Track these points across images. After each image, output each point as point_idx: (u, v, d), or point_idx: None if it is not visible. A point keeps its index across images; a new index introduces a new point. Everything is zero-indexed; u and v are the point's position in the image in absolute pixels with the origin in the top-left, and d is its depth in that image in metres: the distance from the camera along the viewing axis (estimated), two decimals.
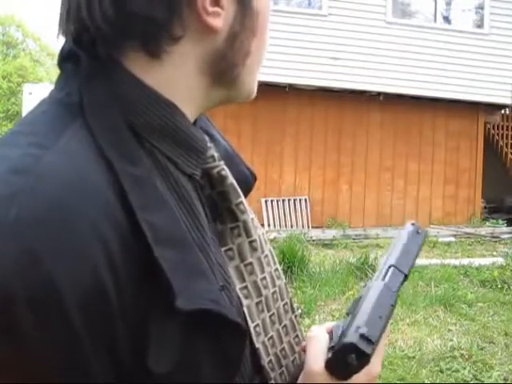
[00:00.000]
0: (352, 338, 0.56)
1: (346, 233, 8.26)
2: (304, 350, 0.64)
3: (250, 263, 0.62)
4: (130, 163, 0.49)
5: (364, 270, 5.80)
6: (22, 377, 0.43)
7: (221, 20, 0.54)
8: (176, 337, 0.48)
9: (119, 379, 0.47)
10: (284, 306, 0.66)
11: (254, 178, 0.74)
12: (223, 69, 0.58)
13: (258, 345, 0.60)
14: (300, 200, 9.38)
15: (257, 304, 0.61)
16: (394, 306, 0.61)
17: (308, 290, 5.29)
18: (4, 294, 0.41)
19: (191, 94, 0.57)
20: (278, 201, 9.26)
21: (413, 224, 0.68)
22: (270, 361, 0.61)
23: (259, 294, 0.62)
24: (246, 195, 0.70)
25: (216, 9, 0.54)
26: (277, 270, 0.66)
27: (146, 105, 0.53)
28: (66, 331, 0.43)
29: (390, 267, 0.63)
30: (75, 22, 0.52)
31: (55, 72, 35.31)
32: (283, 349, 0.64)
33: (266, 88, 8.60)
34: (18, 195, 0.43)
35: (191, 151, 0.56)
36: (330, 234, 8.19)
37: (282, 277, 0.67)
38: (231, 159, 0.69)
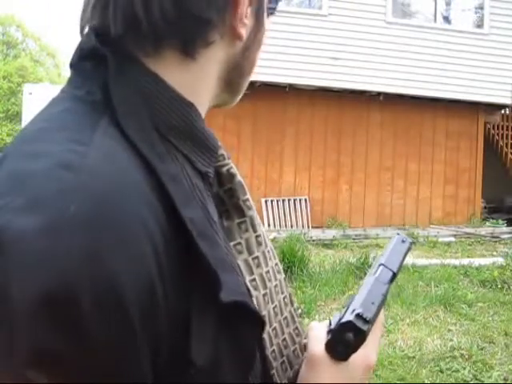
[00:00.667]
0: (349, 317, 0.61)
1: (346, 233, 8.27)
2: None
3: (257, 257, 0.64)
4: (162, 161, 0.50)
5: (364, 269, 5.80)
6: (78, 376, 0.43)
7: (246, 30, 0.59)
8: (213, 329, 0.49)
9: (155, 377, 0.47)
10: (284, 298, 0.68)
11: None
12: (235, 76, 0.63)
13: (264, 335, 0.62)
14: (300, 200, 9.39)
15: (263, 296, 0.64)
16: (385, 297, 0.65)
17: (308, 289, 5.30)
18: (68, 293, 0.41)
19: (207, 95, 0.61)
20: (278, 201, 9.27)
21: (398, 234, 0.74)
22: (273, 351, 0.63)
23: (265, 287, 0.64)
24: None
25: (246, 19, 0.59)
26: (277, 264, 0.69)
27: (167, 103, 0.54)
28: (127, 332, 0.43)
29: (379, 266, 0.69)
30: (121, 18, 0.53)
31: (55, 72, 35.28)
32: (284, 339, 0.66)
33: (266, 88, 8.61)
34: (74, 192, 0.43)
35: (205, 150, 0.58)
36: (330, 233, 8.20)
37: (282, 271, 0.70)
38: None
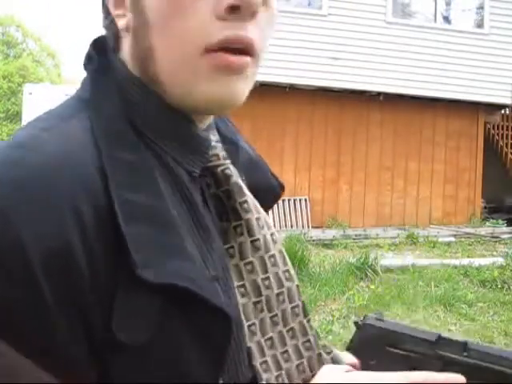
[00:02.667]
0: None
1: (346, 233, 8.26)
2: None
3: (251, 262, 0.62)
4: (122, 150, 0.52)
5: (364, 269, 5.80)
6: None
7: (124, 20, 0.58)
8: (146, 310, 0.48)
9: (92, 352, 0.48)
10: (293, 308, 0.65)
11: (282, 188, 0.75)
12: (141, 67, 0.58)
13: (250, 344, 0.59)
14: (300, 200, 9.38)
15: (255, 303, 0.61)
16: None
17: (308, 289, 5.29)
18: None
19: (161, 91, 0.58)
20: None
21: None
22: (265, 362, 0.60)
23: (259, 294, 0.61)
24: (273, 204, 0.74)
25: (119, 11, 0.58)
26: (287, 271, 0.65)
27: (142, 101, 0.57)
28: (32, 294, 0.44)
29: None
30: (103, 19, 0.61)
31: (55, 72, 35.20)
32: (286, 352, 0.63)
33: (266, 88, 8.60)
34: (7, 163, 0.47)
35: (189, 148, 0.59)
36: (330, 234, 8.19)
37: (295, 279, 0.66)
38: (256, 166, 0.72)
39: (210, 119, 0.64)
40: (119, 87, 0.57)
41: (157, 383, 0.49)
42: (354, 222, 9.49)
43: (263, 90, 8.52)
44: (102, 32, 0.62)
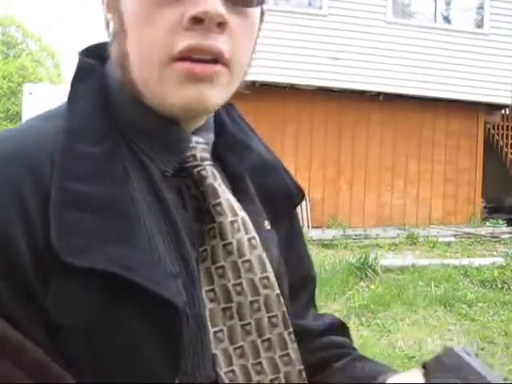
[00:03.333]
0: None
1: (346, 233, 8.26)
2: None
3: (222, 266, 0.59)
4: (86, 144, 0.55)
5: (364, 269, 5.80)
6: None
7: (113, 24, 0.59)
8: (79, 295, 0.49)
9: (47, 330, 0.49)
10: (271, 318, 0.61)
11: (302, 194, 0.74)
12: (120, 73, 0.59)
13: (215, 351, 0.57)
14: None
15: (224, 309, 0.58)
16: None
17: None
18: None
19: (144, 94, 0.59)
20: None
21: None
22: (232, 371, 0.57)
23: (229, 300, 0.59)
24: (290, 209, 0.73)
25: (109, 15, 0.59)
26: (266, 278, 0.61)
27: (124, 103, 0.60)
28: None
29: None
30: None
31: (55, 72, 35.18)
32: (259, 363, 0.59)
33: (266, 88, 8.60)
34: None
35: (166, 149, 0.60)
36: (330, 234, 8.19)
37: (275, 288, 0.62)
38: (270, 169, 0.72)
39: (202, 121, 0.63)
40: (104, 90, 0.60)
41: (111, 366, 0.50)
42: (354, 221, 9.49)
43: (263, 90, 8.52)
44: (102, 32, 0.64)
